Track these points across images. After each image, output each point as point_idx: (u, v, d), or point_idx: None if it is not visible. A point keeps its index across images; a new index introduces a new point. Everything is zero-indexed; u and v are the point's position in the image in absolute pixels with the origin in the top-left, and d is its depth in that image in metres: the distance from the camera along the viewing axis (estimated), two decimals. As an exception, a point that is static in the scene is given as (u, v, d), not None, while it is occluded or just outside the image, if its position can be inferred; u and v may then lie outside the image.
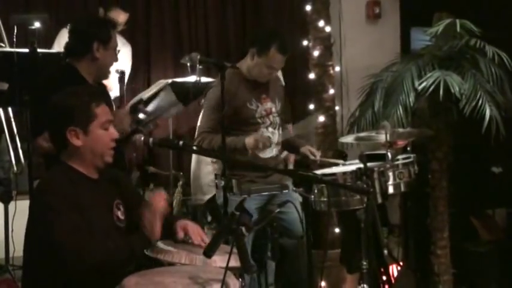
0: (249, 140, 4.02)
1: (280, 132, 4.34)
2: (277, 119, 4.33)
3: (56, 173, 2.91)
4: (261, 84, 4.27)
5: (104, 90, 3.14)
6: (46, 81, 3.63)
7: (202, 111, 4.28)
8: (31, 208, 2.90)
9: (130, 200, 3.10)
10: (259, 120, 4.23)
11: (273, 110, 4.30)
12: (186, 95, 4.79)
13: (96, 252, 2.70)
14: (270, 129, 4.28)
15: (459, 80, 4.04)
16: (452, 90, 4.01)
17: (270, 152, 4.27)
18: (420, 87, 4.11)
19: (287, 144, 4.54)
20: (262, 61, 4.15)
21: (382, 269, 4.57)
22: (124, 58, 5.35)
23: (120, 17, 5.30)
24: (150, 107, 4.65)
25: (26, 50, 4.19)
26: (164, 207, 2.97)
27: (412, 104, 4.15)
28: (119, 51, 3.79)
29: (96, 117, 2.89)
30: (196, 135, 4.19)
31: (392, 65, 4.57)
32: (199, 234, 3.09)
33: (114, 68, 3.90)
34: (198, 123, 4.24)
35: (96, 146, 2.90)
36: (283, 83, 4.65)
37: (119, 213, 3.00)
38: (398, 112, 4.13)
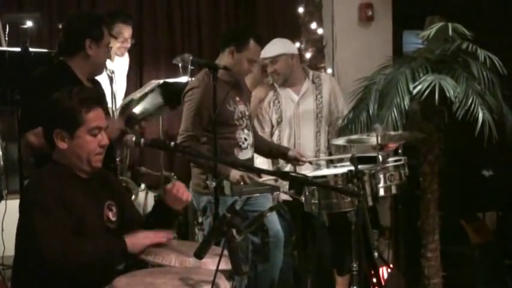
0: (235, 174, 4.02)
1: (252, 134, 4.38)
2: (249, 122, 4.40)
3: (46, 171, 2.91)
4: (234, 87, 4.31)
5: (99, 93, 3.12)
6: (38, 78, 3.63)
7: (184, 111, 4.26)
8: (20, 206, 2.90)
9: (121, 201, 3.10)
10: (236, 122, 4.28)
11: (246, 112, 4.37)
12: (178, 96, 4.79)
13: (76, 252, 2.70)
14: (246, 131, 4.35)
15: (453, 84, 4.05)
16: (448, 94, 4.02)
17: (247, 154, 4.31)
18: (415, 91, 4.11)
19: (269, 150, 4.58)
20: (242, 56, 4.22)
21: (372, 271, 4.58)
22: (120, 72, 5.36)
23: (125, 32, 5.26)
24: (137, 110, 4.66)
25: (18, 49, 4.18)
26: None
27: (406, 107, 4.15)
28: (111, 47, 3.80)
29: (84, 122, 2.87)
30: (182, 137, 4.18)
31: (384, 68, 4.57)
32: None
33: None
34: (183, 122, 4.23)
35: (82, 151, 2.89)
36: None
37: (110, 214, 2.99)
38: (393, 115, 4.13)
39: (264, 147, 4.59)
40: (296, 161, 4.50)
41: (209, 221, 4.28)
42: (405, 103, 4.15)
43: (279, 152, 4.59)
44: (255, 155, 4.59)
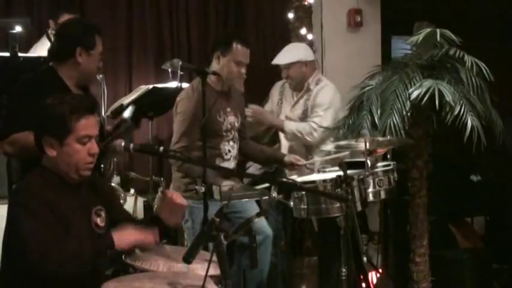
0: (226, 184, 4.00)
1: (237, 146, 4.38)
2: (237, 134, 4.42)
3: (35, 176, 2.90)
4: (226, 97, 4.33)
5: (91, 101, 3.08)
6: (23, 84, 3.59)
7: (176, 123, 4.27)
8: (8, 210, 2.89)
9: (110, 205, 3.09)
10: (223, 134, 4.30)
11: (236, 124, 4.39)
12: (167, 101, 4.79)
13: (60, 257, 2.68)
14: (231, 143, 4.38)
15: (450, 88, 4.06)
16: (447, 98, 4.03)
17: (229, 165, 4.32)
18: (414, 95, 4.11)
19: (265, 157, 4.59)
20: (228, 59, 4.25)
21: (361, 276, 4.59)
22: None
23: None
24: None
25: (7, 54, 4.17)
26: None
27: (409, 113, 4.15)
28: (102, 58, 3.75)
29: (73, 130, 2.84)
30: (175, 147, 4.16)
31: (376, 74, 4.57)
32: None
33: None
34: (176, 134, 4.23)
35: (70, 159, 2.86)
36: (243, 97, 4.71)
37: (98, 220, 2.98)
38: (394, 120, 4.12)
39: (259, 156, 4.64)
40: (292, 166, 4.52)
41: (189, 225, 4.29)
42: (406, 108, 4.15)
43: (275, 159, 4.60)
44: None
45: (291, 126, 4.96)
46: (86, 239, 2.83)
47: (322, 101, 4.99)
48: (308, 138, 4.91)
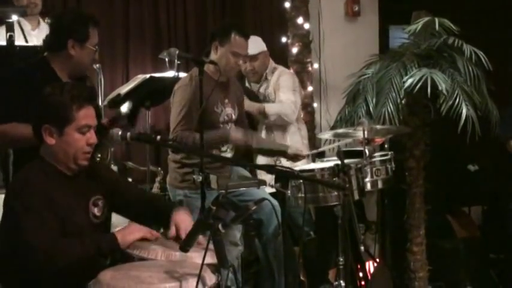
0: (235, 135, 4.09)
1: None
2: (234, 126, 4.38)
3: (32, 168, 2.89)
4: (224, 88, 4.30)
5: (91, 91, 3.06)
6: (12, 75, 3.57)
7: (174, 109, 4.22)
8: (5, 204, 2.89)
9: (112, 190, 3.08)
10: (220, 125, 4.26)
11: (233, 116, 4.35)
12: (164, 91, 4.78)
13: (64, 252, 2.70)
14: None
15: (444, 77, 4.05)
16: (440, 88, 4.02)
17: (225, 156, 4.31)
18: (407, 84, 4.11)
19: (268, 149, 4.58)
20: (226, 50, 4.21)
21: (358, 266, 4.59)
22: None
23: None
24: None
25: (3, 43, 4.15)
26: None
27: (403, 102, 4.15)
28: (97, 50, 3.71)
29: (74, 120, 2.85)
30: (173, 134, 4.12)
31: (373, 63, 4.56)
32: None
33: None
34: (173, 122, 4.18)
35: (69, 149, 2.88)
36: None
37: (96, 210, 2.99)
38: (389, 109, 4.12)
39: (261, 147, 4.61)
40: (296, 157, 4.51)
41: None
42: (401, 97, 4.15)
43: (279, 152, 4.57)
44: None
45: (273, 109, 4.99)
46: (86, 233, 2.84)
47: (288, 84, 5.07)
48: (287, 119, 5.00)
